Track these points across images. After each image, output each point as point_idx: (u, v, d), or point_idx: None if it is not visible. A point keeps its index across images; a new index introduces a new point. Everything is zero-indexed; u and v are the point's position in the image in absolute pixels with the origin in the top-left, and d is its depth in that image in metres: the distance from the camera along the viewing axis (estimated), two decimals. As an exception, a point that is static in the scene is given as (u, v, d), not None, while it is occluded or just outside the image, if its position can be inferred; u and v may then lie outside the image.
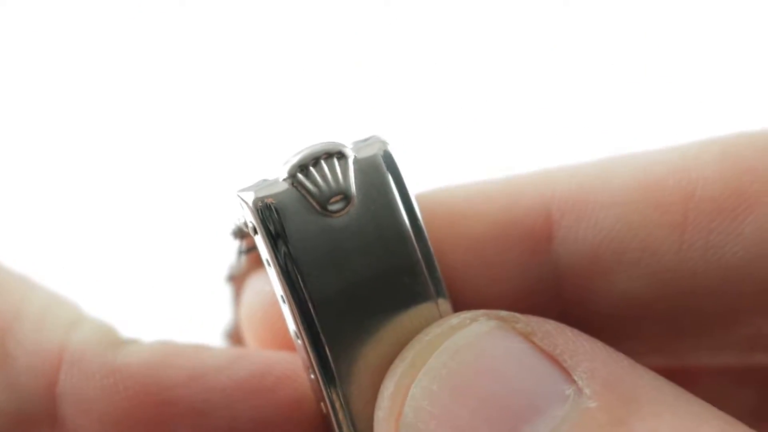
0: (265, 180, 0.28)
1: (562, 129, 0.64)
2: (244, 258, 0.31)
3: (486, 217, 0.32)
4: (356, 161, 0.28)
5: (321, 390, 0.28)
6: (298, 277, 0.27)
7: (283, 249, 0.27)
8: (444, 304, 0.29)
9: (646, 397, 0.27)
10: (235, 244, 0.30)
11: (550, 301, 0.32)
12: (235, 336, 0.35)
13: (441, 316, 0.29)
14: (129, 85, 0.67)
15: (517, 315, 0.29)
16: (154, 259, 0.61)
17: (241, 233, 0.30)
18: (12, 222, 0.63)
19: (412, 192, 0.28)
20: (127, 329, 0.32)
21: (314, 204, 0.27)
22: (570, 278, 0.32)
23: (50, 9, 0.68)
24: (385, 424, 0.29)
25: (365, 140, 0.28)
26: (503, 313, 0.29)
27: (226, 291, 0.34)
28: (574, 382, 0.27)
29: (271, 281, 0.28)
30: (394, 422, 0.28)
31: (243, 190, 0.28)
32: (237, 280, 0.33)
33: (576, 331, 0.29)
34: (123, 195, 0.64)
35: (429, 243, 0.28)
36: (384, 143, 0.28)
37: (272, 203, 0.27)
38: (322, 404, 0.29)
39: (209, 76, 0.67)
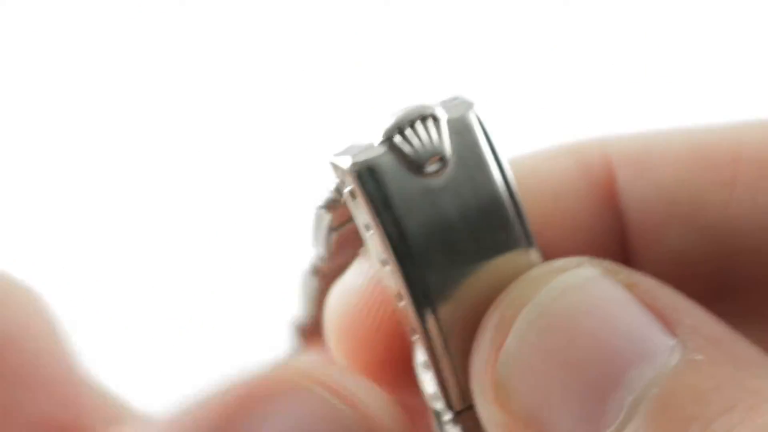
0: (356, 145, 0.28)
1: (563, 129, 0.64)
2: (334, 237, 0.31)
3: (562, 173, 0.33)
4: (449, 122, 0.28)
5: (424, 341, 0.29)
6: (401, 236, 0.28)
7: (385, 211, 0.27)
8: (537, 255, 0.30)
9: (748, 359, 0.27)
10: (324, 221, 0.30)
11: (617, 256, 0.33)
12: (311, 334, 0.35)
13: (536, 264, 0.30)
14: (128, 83, 0.67)
15: (620, 266, 0.29)
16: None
17: (332, 204, 0.30)
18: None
19: (502, 150, 0.29)
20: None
21: (411, 166, 0.28)
22: (633, 232, 0.33)
23: (50, 7, 0.68)
24: (485, 353, 0.28)
25: (452, 101, 0.29)
26: (606, 262, 0.29)
27: (309, 284, 0.33)
28: (677, 335, 0.27)
29: (369, 247, 0.28)
30: (495, 353, 0.28)
31: (337, 155, 0.28)
32: (323, 272, 0.33)
33: (676, 290, 0.29)
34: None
35: (520, 199, 0.29)
36: (471, 104, 0.29)
37: (371, 166, 0.27)
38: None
39: (209, 74, 0.67)
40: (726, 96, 0.62)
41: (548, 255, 0.31)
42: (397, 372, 0.33)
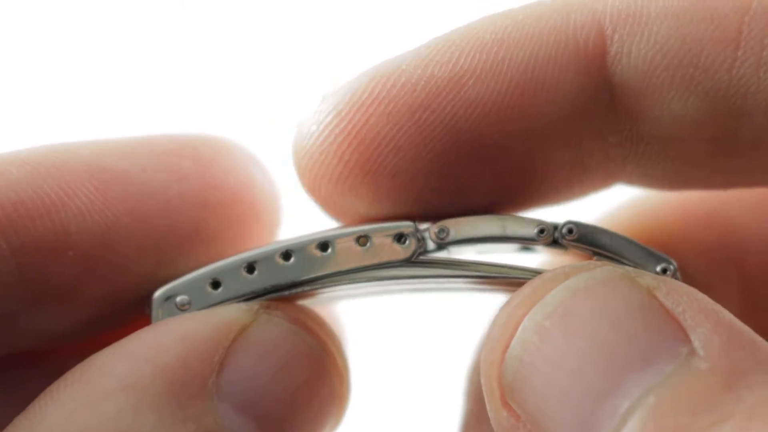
0: None
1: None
2: None
3: (538, 38, 0.31)
4: None
5: None
6: None
7: None
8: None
9: (761, 369, 0.26)
10: None
11: (605, 123, 0.32)
12: None
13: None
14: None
15: (645, 272, 0.29)
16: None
17: None
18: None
19: None
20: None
21: None
22: (624, 97, 0.31)
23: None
24: (491, 353, 0.28)
25: None
26: (631, 268, 0.29)
27: None
28: (690, 341, 0.27)
29: None
30: (501, 353, 0.28)
31: None
32: None
33: (704, 295, 0.28)
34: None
35: None
36: None
37: None
38: None
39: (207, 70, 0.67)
40: None
41: (528, 127, 0.31)
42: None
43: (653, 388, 0.26)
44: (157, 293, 0.33)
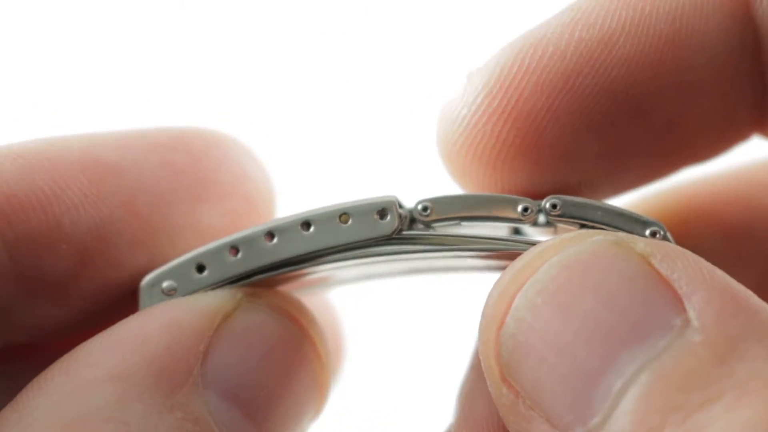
0: None
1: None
2: None
3: None
4: None
5: None
6: None
7: None
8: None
9: (756, 336, 0.26)
10: None
11: (752, 68, 0.31)
12: None
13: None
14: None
15: (637, 237, 0.28)
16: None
17: None
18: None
19: None
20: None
21: None
22: None
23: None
24: (486, 331, 0.28)
25: None
26: (623, 234, 0.28)
27: None
28: (684, 311, 0.26)
29: None
30: (496, 330, 0.28)
31: None
32: None
33: (699, 258, 0.28)
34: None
35: None
36: None
37: None
38: None
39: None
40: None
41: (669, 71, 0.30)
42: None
43: (646, 364, 0.26)
44: (145, 280, 0.33)
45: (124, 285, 0.34)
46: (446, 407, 0.37)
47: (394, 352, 0.64)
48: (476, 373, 0.36)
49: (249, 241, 0.31)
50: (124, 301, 0.34)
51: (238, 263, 0.32)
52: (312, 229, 0.31)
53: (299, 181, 0.59)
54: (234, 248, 0.32)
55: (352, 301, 0.39)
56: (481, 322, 0.29)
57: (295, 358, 0.32)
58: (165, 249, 0.34)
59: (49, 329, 0.34)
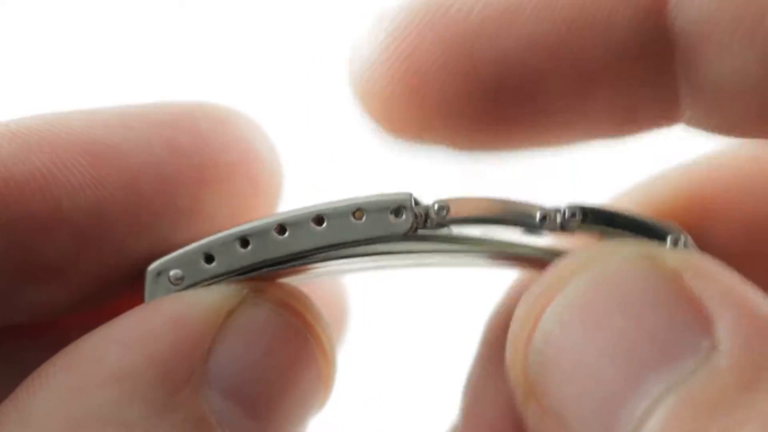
0: None
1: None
2: None
3: None
4: None
5: None
6: None
7: None
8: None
9: None
10: None
11: (661, 70, 0.31)
12: None
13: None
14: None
15: (667, 250, 0.28)
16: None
17: None
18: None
19: None
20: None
21: None
22: (682, 46, 0.30)
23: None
24: (514, 345, 0.28)
25: None
26: (652, 248, 0.28)
27: None
28: (713, 333, 0.26)
29: None
30: (524, 345, 0.27)
31: None
32: None
33: (731, 273, 0.27)
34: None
35: None
36: None
37: None
38: None
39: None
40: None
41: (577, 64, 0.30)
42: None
43: (672, 387, 0.25)
44: (151, 267, 0.32)
45: (125, 268, 0.33)
46: (449, 399, 0.37)
47: (396, 341, 0.64)
48: (482, 368, 0.35)
49: (259, 233, 0.31)
50: (126, 284, 0.33)
51: (247, 255, 0.31)
52: (325, 224, 0.30)
53: (307, 164, 0.59)
54: (244, 240, 0.31)
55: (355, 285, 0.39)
56: (509, 335, 0.28)
57: (300, 355, 0.31)
58: (167, 232, 0.33)
59: (49, 311, 0.33)
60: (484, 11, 0.31)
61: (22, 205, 0.31)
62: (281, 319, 0.31)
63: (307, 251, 0.31)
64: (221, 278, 0.31)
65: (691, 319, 0.26)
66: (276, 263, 0.31)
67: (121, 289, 0.33)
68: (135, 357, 0.28)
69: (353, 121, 0.64)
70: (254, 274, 0.31)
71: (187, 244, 0.32)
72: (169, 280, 0.31)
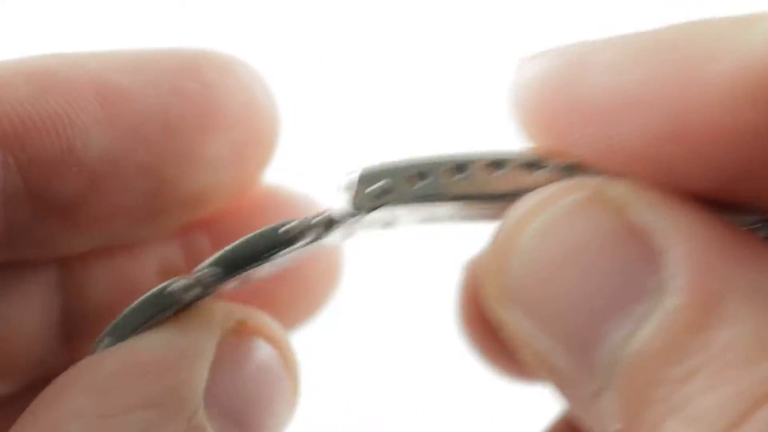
0: None
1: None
2: None
3: None
4: None
5: None
6: None
7: None
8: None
9: (737, 292, 0.24)
10: None
11: None
12: None
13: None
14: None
15: (614, 183, 0.26)
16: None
17: None
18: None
19: None
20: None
21: None
22: None
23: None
24: (488, 296, 0.28)
25: None
26: (602, 182, 0.27)
27: None
28: (661, 270, 0.25)
29: None
30: (494, 300, 0.27)
31: None
32: None
33: (681, 203, 0.26)
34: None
35: None
36: None
37: None
38: None
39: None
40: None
41: None
42: None
43: (628, 337, 0.25)
44: (362, 171, 0.31)
45: (132, 209, 0.34)
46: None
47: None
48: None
49: (471, 162, 0.30)
50: (131, 227, 0.34)
51: (462, 183, 0.30)
52: (499, 171, 0.30)
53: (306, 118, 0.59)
54: (461, 166, 0.30)
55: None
56: (482, 283, 0.28)
57: (277, 378, 0.32)
58: (171, 177, 0.34)
59: (58, 249, 0.34)
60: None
61: (37, 145, 0.32)
62: (263, 350, 0.32)
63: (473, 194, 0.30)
64: (424, 201, 0.30)
65: (638, 257, 0.25)
66: (440, 198, 0.30)
67: (127, 230, 0.34)
68: (155, 386, 0.29)
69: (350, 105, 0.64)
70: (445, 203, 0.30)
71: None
72: (375, 190, 0.31)
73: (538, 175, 0.29)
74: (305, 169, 0.45)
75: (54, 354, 0.35)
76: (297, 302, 0.38)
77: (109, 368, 0.29)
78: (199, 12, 0.69)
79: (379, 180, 0.31)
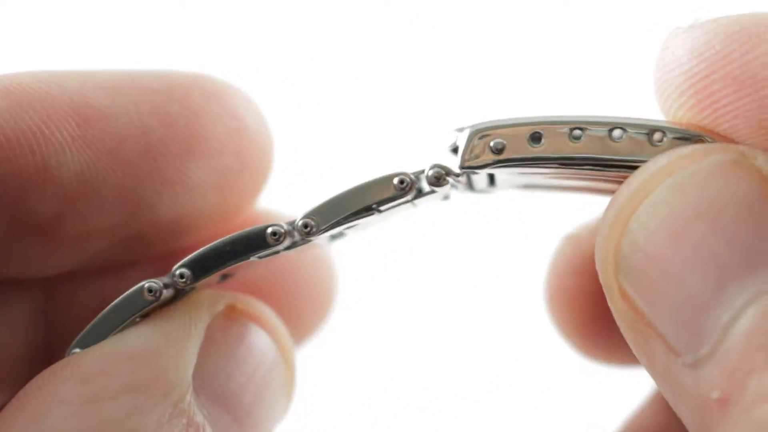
0: None
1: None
2: None
3: None
4: None
5: None
6: None
7: None
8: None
9: None
10: None
11: None
12: None
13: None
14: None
15: (757, 151, 0.27)
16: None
17: None
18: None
19: None
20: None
21: None
22: None
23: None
24: (603, 252, 0.28)
25: None
26: (743, 147, 0.27)
27: None
28: None
29: None
30: (613, 251, 0.27)
31: None
32: None
33: None
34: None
35: None
36: None
37: None
38: None
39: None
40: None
41: None
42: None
43: (754, 298, 0.25)
44: (475, 126, 0.30)
45: (110, 232, 0.33)
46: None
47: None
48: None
49: (589, 124, 0.29)
50: (110, 249, 0.34)
51: (580, 146, 0.29)
52: (618, 137, 0.29)
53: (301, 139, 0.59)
54: (577, 129, 0.29)
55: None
56: (598, 240, 0.28)
57: (271, 365, 0.32)
58: (151, 200, 0.33)
59: (37, 267, 0.34)
60: None
61: (12, 162, 0.31)
62: (255, 335, 0.32)
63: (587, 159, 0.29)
64: (536, 162, 0.30)
65: None
66: (568, 162, 0.30)
67: (108, 252, 0.34)
68: (142, 372, 0.29)
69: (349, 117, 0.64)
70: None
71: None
72: (491, 147, 0.30)
73: (659, 144, 0.29)
74: (303, 188, 0.44)
75: (36, 374, 0.35)
76: (296, 320, 0.37)
77: (94, 358, 0.29)
78: (199, 12, 0.69)
79: (492, 138, 0.30)
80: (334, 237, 0.33)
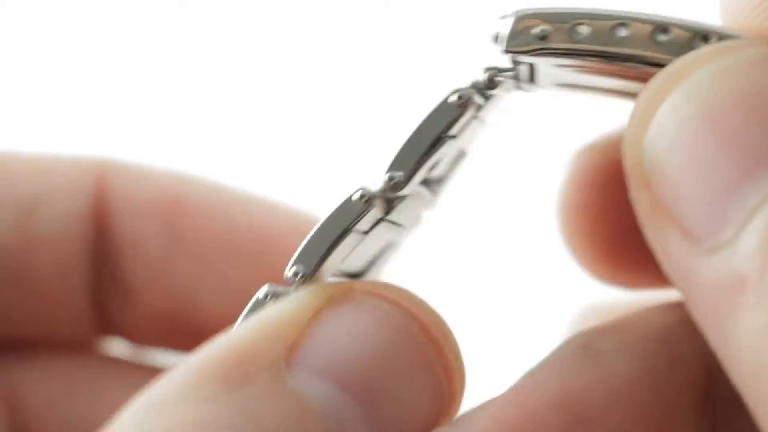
0: None
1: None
2: None
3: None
4: None
5: None
6: None
7: None
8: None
9: None
10: None
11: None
12: None
13: None
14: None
15: None
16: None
17: None
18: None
19: None
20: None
21: None
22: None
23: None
24: (632, 135, 0.27)
25: None
26: None
27: None
28: None
29: None
30: (640, 137, 0.27)
31: None
32: None
33: None
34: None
35: None
36: None
37: None
38: None
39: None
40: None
41: None
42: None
43: None
44: (519, 13, 0.29)
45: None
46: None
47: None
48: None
49: (634, 20, 0.29)
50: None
51: (622, 40, 0.29)
52: (664, 36, 0.29)
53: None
54: (623, 24, 0.29)
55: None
56: (628, 125, 0.27)
57: (411, 357, 0.30)
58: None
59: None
60: None
61: None
62: (387, 316, 0.30)
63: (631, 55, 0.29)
64: (580, 54, 0.29)
65: None
66: (604, 55, 0.29)
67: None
68: (217, 349, 0.28)
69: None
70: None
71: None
72: (535, 33, 0.29)
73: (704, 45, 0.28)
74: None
75: None
76: None
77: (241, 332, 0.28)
78: (199, 12, 0.69)
79: (536, 25, 0.29)
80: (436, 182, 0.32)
